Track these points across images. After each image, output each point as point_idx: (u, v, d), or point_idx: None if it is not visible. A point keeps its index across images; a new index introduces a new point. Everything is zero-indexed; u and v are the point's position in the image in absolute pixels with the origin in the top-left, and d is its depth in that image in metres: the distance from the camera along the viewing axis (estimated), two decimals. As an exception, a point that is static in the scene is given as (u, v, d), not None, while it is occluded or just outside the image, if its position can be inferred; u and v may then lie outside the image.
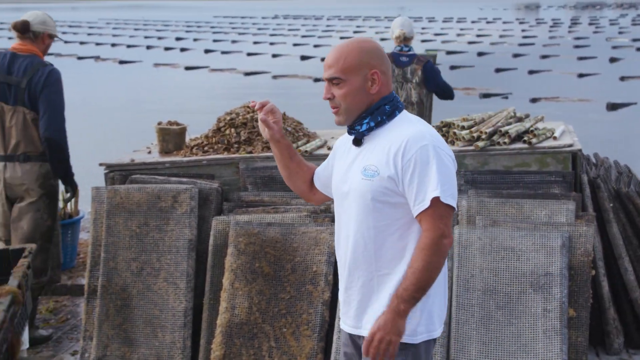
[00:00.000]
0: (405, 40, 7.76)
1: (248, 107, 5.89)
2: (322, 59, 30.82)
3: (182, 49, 36.37)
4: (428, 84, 7.62)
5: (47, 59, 5.95)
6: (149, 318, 5.31)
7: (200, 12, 78.64)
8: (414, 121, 3.26)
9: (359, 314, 3.28)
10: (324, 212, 5.34)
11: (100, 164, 5.96)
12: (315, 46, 36.87)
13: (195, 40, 41.53)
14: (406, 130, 3.19)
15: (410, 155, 3.11)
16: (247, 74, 26.12)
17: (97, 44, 40.48)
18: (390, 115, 3.25)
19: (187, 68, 28.18)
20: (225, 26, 54.16)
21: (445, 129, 5.95)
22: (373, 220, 3.19)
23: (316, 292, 5.02)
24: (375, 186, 3.15)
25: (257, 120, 5.73)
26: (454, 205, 3.13)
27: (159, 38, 42.90)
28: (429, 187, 3.09)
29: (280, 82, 24.62)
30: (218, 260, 5.30)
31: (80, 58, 33.44)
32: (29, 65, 5.75)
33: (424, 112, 7.62)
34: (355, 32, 45.49)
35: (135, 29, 50.70)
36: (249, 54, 33.83)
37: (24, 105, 5.72)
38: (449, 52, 30.52)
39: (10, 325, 3.03)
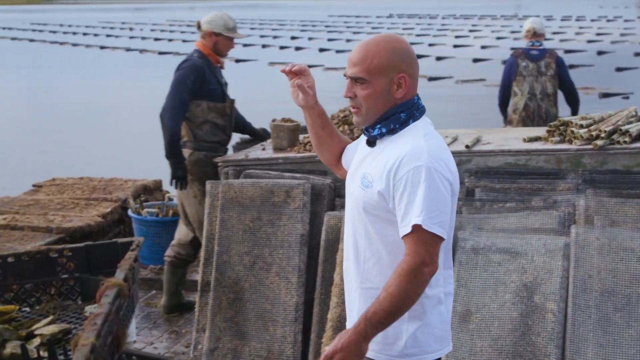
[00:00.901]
0: (535, 35, 8.09)
1: (342, 110, 5.84)
2: (437, 58, 30.71)
3: (297, 48, 36.63)
4: (563, 75, 7.97)
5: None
6: (260, 312, 5.36)
7: (315, 11, 79.10)
8: (419, 135, 3.03)
9: (351, 323, 3.11)
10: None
11: (214, 160, 6.03)
12: (430, 45, 36.59)
13: (310, 39, 41.76)
14: (406, 145, 2.99)
15: (402, 175, 2.93)
16: (362, 72, 26.06)
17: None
18: (404, 124, 3.05)
19: (302, 67, 28.25)
20: (340, 25, 54.28)
21: (562, 128, 5.81)
22: (364, 230, 3.06)
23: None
24: (368, 198, 3.02)
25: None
26: (440, 233, 2.90)
27: (274, 37, 43.32)
28: (413, 211, 2.89)
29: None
30: (329, 255, 5.30)
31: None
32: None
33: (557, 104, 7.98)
34: (470, 30, 44.98)
35: (252, 28, 51.31)
36: (364, 53, 33.73)
37: None
38: (567, 51, 29.80)
39: (115, 318, 3.06)
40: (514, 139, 5.93)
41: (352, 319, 3.14)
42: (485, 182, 5.37)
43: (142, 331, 6.15)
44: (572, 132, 5.69)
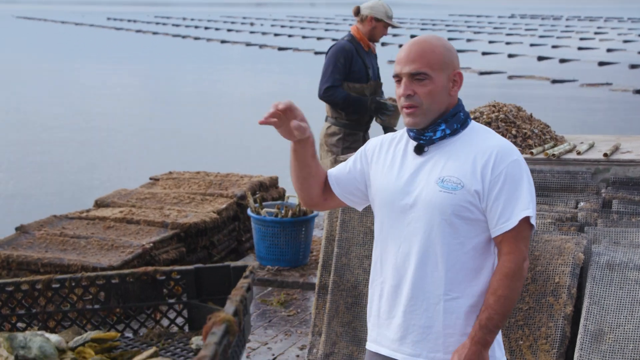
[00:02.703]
0: None
1: (493, 106, 5.63)
2: (561, 61, 30.02)
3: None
4: None
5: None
6: (379, 318, 5.19)
7: (436, 10, 78.59)
8: (491, 131, 3.01)
9: (420, 341, 2.98)
10: (570, 221, 5.02)
11: (330, 157, 6.00)
12: (554, 47, 35.96)
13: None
14: (491, 140, 2.94)
15: (500, 169, 2.86)
16: (482, 73, 25.73)
17: (333, 39, 41.23)
18: (464, 124, 2.98)
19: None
20: (461, 24, 53.82)
21: None
22: (447, 237, 2.90)
23: (557, 304, 4.72)
24: (458, 200, 2.86)
25: (502, 121, 5.48)
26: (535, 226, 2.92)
27: (394, 35, 43.18)
28: (518, 205, 2.85)
29: (516, 82, 24.06)
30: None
31: (317, 53, 34.22)
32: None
33: None
34: (595, 32, 43.89)
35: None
36: (484, 53, 33.43)
37: None
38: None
39: (223, 359, 2.84)
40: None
41: (407, 342, 3.00)
42: (624, 193, 5.08)
43: (257, 330, 6.07)
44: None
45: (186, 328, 3.60)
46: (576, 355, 4.52)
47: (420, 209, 2.92)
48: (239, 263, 3.63)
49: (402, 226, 2.98)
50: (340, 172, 3.21)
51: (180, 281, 3.59)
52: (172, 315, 3.60)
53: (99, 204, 7.71)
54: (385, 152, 3.09)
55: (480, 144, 2.92)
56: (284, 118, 3.00)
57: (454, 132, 2.95)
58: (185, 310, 3.61)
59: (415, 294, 2.97)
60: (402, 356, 3.03)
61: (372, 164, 3.11)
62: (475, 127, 3.01)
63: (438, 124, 2.94)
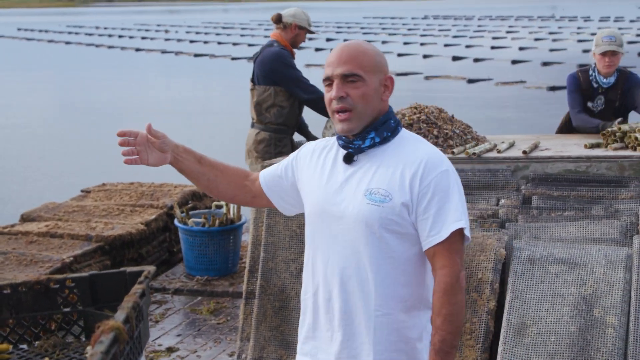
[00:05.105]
0: None
1: (415, 108, 5.70)
2: (475, 60, 30.44)
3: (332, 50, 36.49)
4: None
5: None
6: (307, 321, 5.20)
7: (350, 13, 78.96)
8: (421, 140, 2.92)
9: (355, 356, 2.88)
10: (492, 218, 5.11)
11: (261, 163, 5.96)
12: (467, 47, 36.42)
13: (345, 40, 41.61)
14: (420, 150, 2.84)
15: (429, 180, 2.77)
16: (399, 74, 25.93)
17: (250, 45, 41.15)
18: (394, 132, 2.89)
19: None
20: (375, 27, 54.12)
21: (619, 134, 5.60)
22: (376, 251, 2.80)
23: (481, 300, 4.80)
24: (386, 213, 2.77)
25: (424, 122, 5.55)
26: (470, 237, 2.84)
27: (310, 39, 43.25)
28: (449, 217, 2.76)
29: (433, 83, 24.33)
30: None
31: (234, 59, 34.06)
32: (263, 47, 7.06)
33: None
34: (507, 32, 44.62)
35: (287, 30, 51.24)
36: (400, 55, 33.66)
37: (252, 80, 7.03)
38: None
39: None
40: (573, 145, 5.76)
41: (365, 352, 2.89)
42: (543, 189, 5.20)
43: (186, 338, 6.04)
44: (636, 138, 5.47)
45: (83, 337, 3.52)
46: (500, 349, 4.60)
47: (348, 221, 2.83)
48: (135, 268, 3.56)
49: (330, 238, 2.89)
50: (271, 175, 3.15)
51: (75, 289, 3.51)
52: (67, 325, 3.52)
53: (25, 218, 7.56)
54: (317, 159, 3.00)
55: (410, 154, 2.83)
56: (146, 147, 2.97)
57: (384, 141, 2.87)
58: (82, 319, 3.53)
59: (346, 308, 2.88)
60: None
61: (303, 171, 3.04)
62: (405, 136, 2.92)
63: (367, 132, 2.85)
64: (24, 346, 3.45)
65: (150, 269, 3.44)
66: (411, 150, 2.85)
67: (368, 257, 2.81)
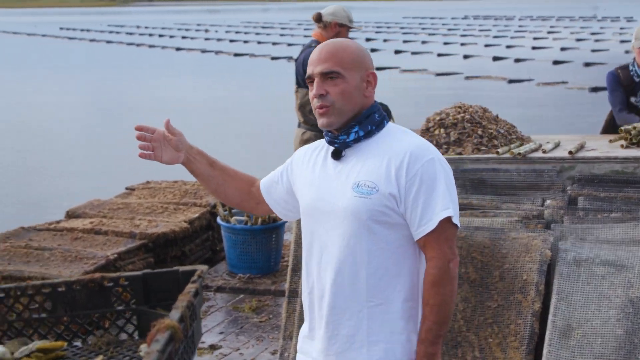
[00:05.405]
0: None
1: (459, 107, 5.69)
2: (516, 60, 30.27)
3: (372, 50, 36.47)
4: None
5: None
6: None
7: (389, 13, 78.86)
8: (408, 132, 2.94)
9: (344, 351, 2.90)
10: (537, 218, 5.07)
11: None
12: (508, 47, 36.21)
13: (385, 41, 41.62)
14: (405, 141, 2.87)
15: (415, 170, 2.79)
16: (439, 74, 25.85)
17: (289, 44, 41.22)
18: (379, 126, 2.91)
19: (378, 69, 28.06)
20: (415, 27, 54.05)
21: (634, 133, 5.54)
22: (367, 243, 2.83)
23: (526, 301, 4.76)
24: (374, 205, 2.80)
25: (468, 121, 5.53)
26: (459, 225, 2.85)
27: (351, 39, 43.26)
28: (437, 205, 2.78)
29: (473, 83, 24.22)
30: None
31: (273, 58, 34.17)
32: (303, 48, 7.20)
33: None
34: (549, 32, 44.32)
35: (326, 30, 51.27)
36: (440, 55, 33.57)
37: (296, 82, 7.22)
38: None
39: None
40: (619, 145, 5.70)
41: (330, 352, 2.93)
42: (590, 190, 5.15)
43: (229, 336, 6.06)
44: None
45: (136, 335, 3.53)
46: (545, 351, 4.56)
47: (338, 216, 2.86)
48: (188, 268, 3.57)
49: (322, 234, 2.92)
50: (270, 182, 3.21)
51: (128, 288, 3.53)
52: (121, 322, 3.53)
53: (70, 215, 7.62)
54: (308, 160, 3.04)
55: (395, 146, 2.85)
56: (162, 144, 3.07)
57: (368, 134, 2.89)
58: (135, 317, 3.54)
59: (337, 303, 2.90)
60: None
61: (297, 174, 3.08)
62: (391, 129, 2.94)
63: (351, 126, 2.88)
64: (78, 343, 3.48)
65: (203, 268, 3.46)
66: (397, 142, 2.87)
67: (359, 249, 2.84)
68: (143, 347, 3.32)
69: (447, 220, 2.80)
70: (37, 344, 3.32)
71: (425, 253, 2.84)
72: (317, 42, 6.98)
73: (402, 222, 2.84)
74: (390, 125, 2.96)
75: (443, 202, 2.79)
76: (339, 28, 7.10)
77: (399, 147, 2.85)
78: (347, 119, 2.88)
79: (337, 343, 2.92)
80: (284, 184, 3.15)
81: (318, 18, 7.11)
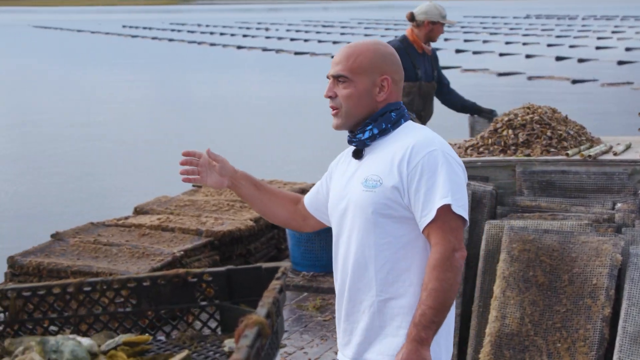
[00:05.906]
0: None
1: (528, 108, 5.62)
2: (579, 60, 29.87)
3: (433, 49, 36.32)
4: None
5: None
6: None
7: (450, 12, 78.40)
8: (420, 129, 2.97)
9: (362, 343, 2.96)
10: (607, 222, 5.00)
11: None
12: (571, 47, 35.77)
13: (445, 40, 41.36)
14: (412, 136, 2.90)
15: (416, 162, 2.83)
16: (500, 74, 25.64)
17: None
18: (396, 124, 2.96)
19: (439, 67, 28.00)
20: (476, 26, 53.70)
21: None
22: (374, 237, 2.88)
23: (595, 306, 4.70)
24: (378, 198, 2.85)
25: (537, 122, 5.47)
26: (466, 217, 2.83)
27: (379, 41, 43.10)
28: (437, 195, 2.79)
29: (536, 83, 23.97)
30: (489, 266, 5.07)
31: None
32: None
33: None
34: (613, 32, 43.67)
35: (386, 29, 51.28)
36: (501, 54, 33.30)
37: None
38: None
39: None
40: (694, 148, 5.56)
41: (351, 346, 2.99)
42: (662, 194, 5.05)
43: (293, 335, 6.08)
44: None
45: (218, 330, 3.58)
46: (615, 357, 4.50)
47: (352, 210, 2.93)
48: (271, 264, 3.61)
49: (342, 231, 2.99)
50: (313, 194, 3.29)
51: (211, 283, 3.57)
52: (204, 317, 3.58)
53: (138, 211, 7.72)
54: (341, 165, 3.11)
55: (402, 140, 2.90)
56: (207, 169, 3.20)
57: (383, 132, 2.94)
58: (218, 312, 3.58)
59: (352, 296, 2.97)
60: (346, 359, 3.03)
61: (333, 179, 3.14)
62: (408, 126, 2.98)
63: (366, 124, 2.94)
64: (162, 337, 3.54)
65: (287, 265, 3.51)
66: (405, 137, 2.91)
67: (367, 243, 2.89)
68: (227, 342, 3.36)
69: (448, 210, 2.81)
70: (123, 337, 3.38)
71: (431, 242, 2.85)
72: (405, 38, 7.22)
73: (408, 216, 2.87)
74: (408, 124, 2.99)
75: (442, 192, 2.80)
76: (432, 25, 7.22)
77: (405, 141, 2.89)
78: (355, 121, 2.96)
79: (356, 335, 2.98)
80: (324, 192, 3.21)
81: (411, 18, 7.23)
